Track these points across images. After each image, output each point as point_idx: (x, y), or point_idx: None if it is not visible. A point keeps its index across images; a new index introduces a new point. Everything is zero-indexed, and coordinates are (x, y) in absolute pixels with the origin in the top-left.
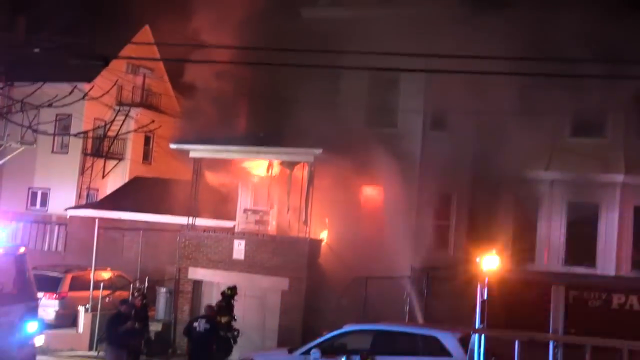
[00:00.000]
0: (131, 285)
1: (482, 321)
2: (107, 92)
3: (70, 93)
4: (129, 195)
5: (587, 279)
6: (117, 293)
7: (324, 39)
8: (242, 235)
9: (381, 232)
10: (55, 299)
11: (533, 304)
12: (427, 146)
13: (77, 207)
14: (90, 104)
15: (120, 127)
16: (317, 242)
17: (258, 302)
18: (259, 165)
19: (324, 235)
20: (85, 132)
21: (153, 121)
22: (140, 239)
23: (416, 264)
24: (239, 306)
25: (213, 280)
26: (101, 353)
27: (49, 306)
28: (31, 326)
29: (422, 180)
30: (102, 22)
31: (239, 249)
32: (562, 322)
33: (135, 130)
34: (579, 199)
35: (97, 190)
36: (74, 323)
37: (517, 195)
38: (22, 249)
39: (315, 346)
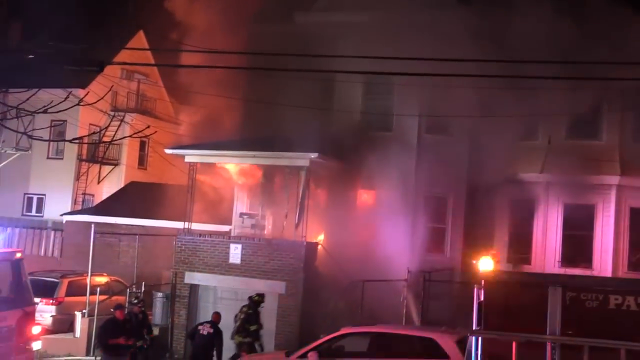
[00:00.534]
0: (127, 290)
1: (479, 323)
2: (102, 98)
3: (65, 99)
4: (125, 201)
5: (583, 280)
6: (114, 298)
7: (317, 43)
8: (238, 239)
9: (377, 235)
10: (52, 304)
11: (530, 305)
12: (422, 149)
13: (72, 212)
14: (85, 109)
15: (116, 132)
16: (313, 246)
17: None
18: (255, 169)
19: (320, 238)
20: (81, 138)
21: (148, 126)
22: (137, 243)
23: (412, 267)
24: (235, 310)
25: (210, 284)
26: (98, 358)
27: (45, 311)
28: (28, 331)
29: (417, 183)
30: (96, 28)
31: (235, 253)
32: (559, 323)
33: (130, 136)
34: (574, 201)
35: (93, 195)
36: (70, 328)
37: (512, 197)
38: (18, 254)
39: (312, 349)
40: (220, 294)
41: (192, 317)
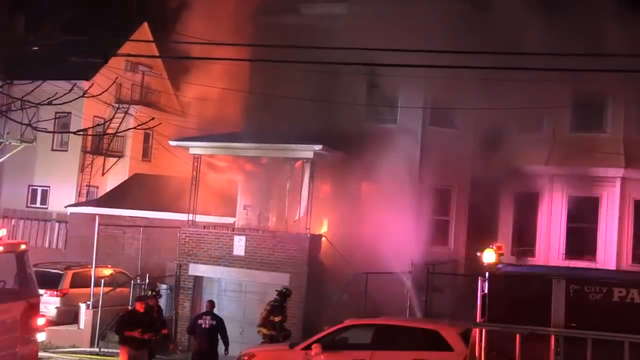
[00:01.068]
0: (132, 281)
1: (482, 315)
2: (107, 90)
3: (70, 91)
4: (129, 193)
5: (588, 273)
6: (118, 290)
7: (323, 35)
8: (242, 231)
9: (381, 228)
10: (57, 295)
11: (534, 298)
12: (426, 141)
13: (77, 204)
14: (89, 101)
15: (120, 124)
16: (317, 238)
17: (259, 297)
18: (259, 161)
19: (324, 230)
20: (85, 130)
21: (152, 118)
22: (141, 235)
23: (416, 259)
24: (240, 302)
25: (214, 276)
26: (103, 349)
27: (50, 303)
28: (33, 323)
29: (421, 175)
30: (100, 20)
31: (239, 245)
32: (563, 316)
33: (134, 128)
34: (579, 193)
35: (97, 187)
36: (75, 320)
37: (517, 189)
38: (23, 246)
39: (316, 341)
40: (225, 286)
41: (196, 309)
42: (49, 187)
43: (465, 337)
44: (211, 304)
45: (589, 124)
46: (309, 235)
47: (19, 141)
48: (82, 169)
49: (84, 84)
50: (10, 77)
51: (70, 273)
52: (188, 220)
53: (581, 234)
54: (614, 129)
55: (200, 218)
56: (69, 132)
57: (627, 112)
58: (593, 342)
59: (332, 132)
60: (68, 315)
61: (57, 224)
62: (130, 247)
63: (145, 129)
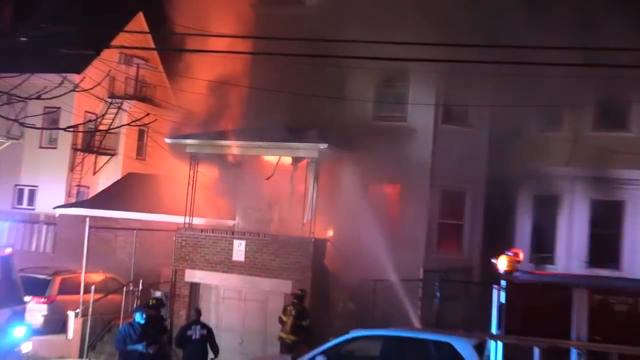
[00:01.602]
0: (124, 288)
1: (499, 326)
2: (99, 83)
3: (60, 85)
4: (122, 193)
5: (612, 282)
6: (110, 297)
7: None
8: (242, 235)
9: (390, 232)
10: (44, 303)
11: (554, 308)
12: (438, 141)
13: (66, 205)
14: (80, 96)
15: (113, 120)
16: (322, 242)
17: (259, 305)
18: (260, 160)
19: (329, 234)
20: (76, 126)
21: (147, 114)
22: (134, 239)
23: (428, 266)
24: (239, 310)
25: (211, 283)
26: None
27: (36, 311)
28: (18, 332)
29: (433, 176)
30: (92, 10)
31: (239, 249)
32: (585, 328)
33: (128, 124)
34: (602, 197)
35: (88, 187)
36: (63, 329)
37: (535, 192)
38: (8, 250)
39: (320, 353)
40: (223, 293)
41: (192, 318)
42: (36, 186)
43: (480, 349)
44: (197, 312)
45: (613, 122)
46: (313, 240)
47: (5, 138)
48: (72, 167)
49: (75, 78)
50: None
51: (58, 279)
52: (184, 223)
53: (604, 241)
54: (639, 127)
55: (197, 221)
56: (59, 128)
57: None
58: (618, 357)
59: (338, 130)
60: (56, 324)
61: (44, 226)
62: (122, 251)
63: (139, 125)
